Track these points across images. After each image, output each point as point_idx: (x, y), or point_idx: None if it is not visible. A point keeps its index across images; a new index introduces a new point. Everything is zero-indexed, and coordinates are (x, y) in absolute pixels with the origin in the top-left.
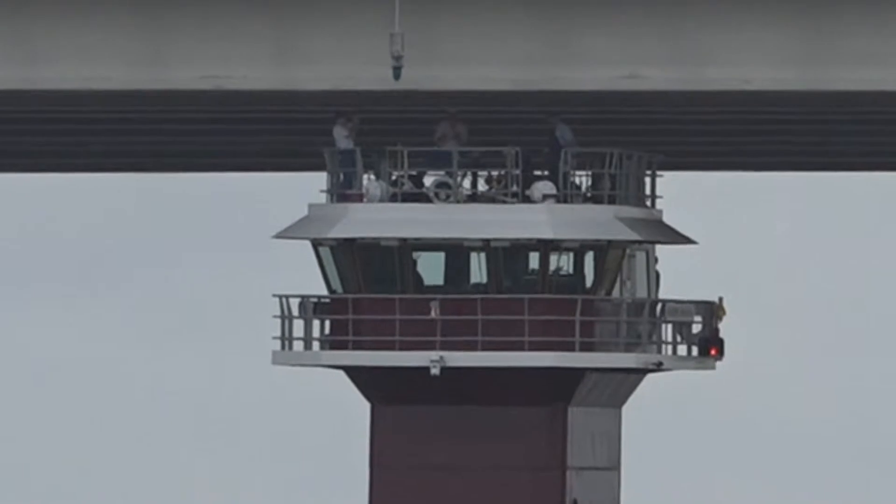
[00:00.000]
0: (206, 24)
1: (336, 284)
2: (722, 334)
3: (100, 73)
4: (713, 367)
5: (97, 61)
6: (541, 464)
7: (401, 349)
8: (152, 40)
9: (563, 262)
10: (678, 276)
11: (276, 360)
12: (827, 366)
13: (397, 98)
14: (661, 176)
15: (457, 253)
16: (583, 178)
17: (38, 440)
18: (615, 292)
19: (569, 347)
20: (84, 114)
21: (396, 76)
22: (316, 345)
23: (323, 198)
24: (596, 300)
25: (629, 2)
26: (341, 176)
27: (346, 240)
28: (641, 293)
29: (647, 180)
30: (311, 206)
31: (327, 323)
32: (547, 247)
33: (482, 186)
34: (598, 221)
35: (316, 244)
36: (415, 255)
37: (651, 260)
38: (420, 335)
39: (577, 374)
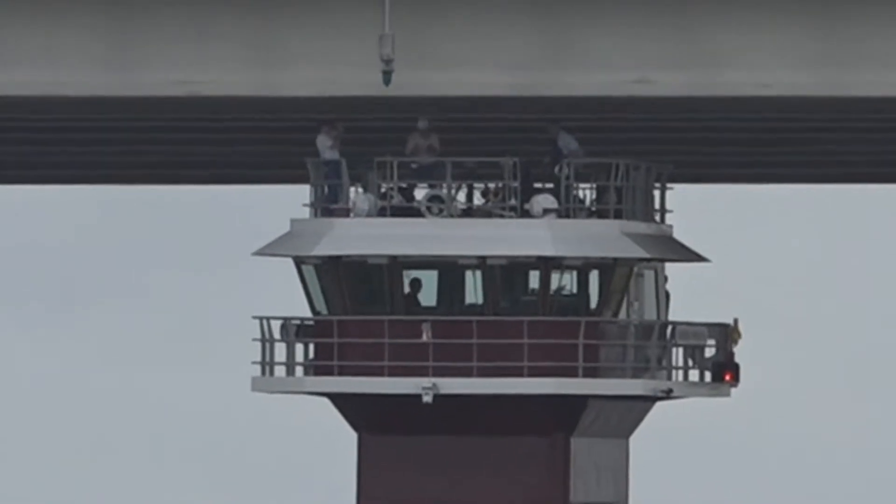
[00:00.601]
0: (179, 24)
1: (320, 305)
2: (737, 359)
3: (61, 78)
4: (728, 395)
5: (58, 65)
6: (541, 499)
7: (390, 375)
8: (119, 41)
9: (565, 282)
10: (690, 296)
11: (257, 386)
12: (851, 392)
13: (387, 105)
14: (671, 188)
15: (451, 271)
16: (586, 191)
17: (9, 463)
18: (621, 314)
19: (571, 373)
20: (44, 122)
21: (386, 81)
22: (299, 370)
23: (306, 212)
24: (601, 322)
25: (637, 0)
26: (326, 188)
27: (331, 257)
28: (650, 315)
29: (656, 193)
30: (293, 220)
31: (311, 347)
32: (548, 265)
33: (478, 200)
34: (603, 237)
35: (299, 262)
36: (405, 273)
37: (660, 279)
38: (411, 360)
39: (581, 402)
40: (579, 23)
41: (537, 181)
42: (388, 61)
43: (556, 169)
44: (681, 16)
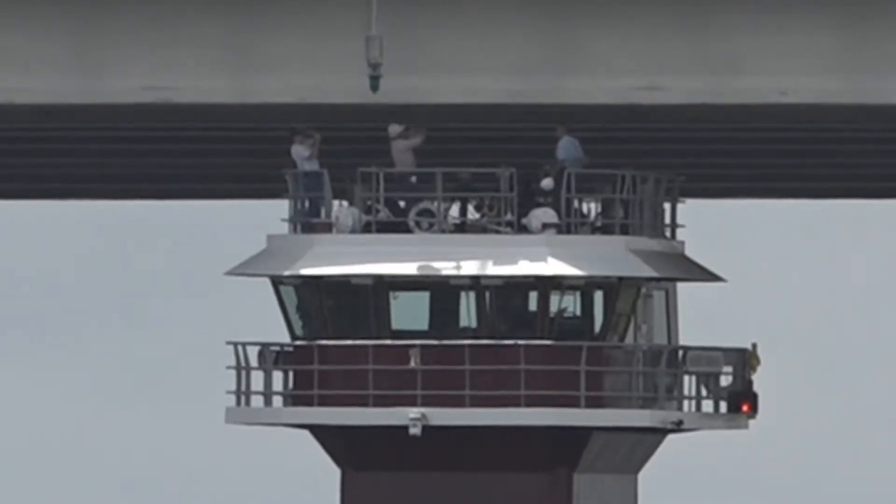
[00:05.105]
0: (149, 25)
1: (300, 330)
2: (756, 387)
3: (22, 84)
4: (745, 427)
5: (19, 70)
6: None
7: (375, 405)
8: (82, 43)
9: (566, 303)
10: (703, 318)
11: (231, 417)
12: (882, 424)
13: (374, 112)
14: (682, 202)
15: (442, 292)
16: (590, 205)
17: None
18: (628, 338)
19: (573, 403)
20: (3, 132)
21: (374, 87)
22: (277, 400)
23: (284, 228)
24: (605, 347)
25: (647, 1)
26: (306, 202)
27: (311, 277)
28: (659, 339)
29: (667, 207)
30: (270, 237)
31: (290, 375)
32: (547, 285)
33: (472, 214)
34: (608, 255)
35: (276, 282)
36: (392, 295)
37: (671, 300)
38: (398, 389)
39: (584, 434)
40: (583, 24)
41: (537, 194)
42: (375, 66)
43: (544, 181)
44: (693, 17)
